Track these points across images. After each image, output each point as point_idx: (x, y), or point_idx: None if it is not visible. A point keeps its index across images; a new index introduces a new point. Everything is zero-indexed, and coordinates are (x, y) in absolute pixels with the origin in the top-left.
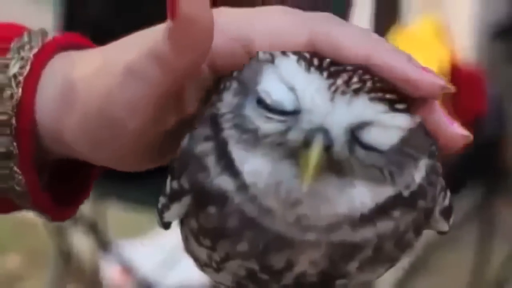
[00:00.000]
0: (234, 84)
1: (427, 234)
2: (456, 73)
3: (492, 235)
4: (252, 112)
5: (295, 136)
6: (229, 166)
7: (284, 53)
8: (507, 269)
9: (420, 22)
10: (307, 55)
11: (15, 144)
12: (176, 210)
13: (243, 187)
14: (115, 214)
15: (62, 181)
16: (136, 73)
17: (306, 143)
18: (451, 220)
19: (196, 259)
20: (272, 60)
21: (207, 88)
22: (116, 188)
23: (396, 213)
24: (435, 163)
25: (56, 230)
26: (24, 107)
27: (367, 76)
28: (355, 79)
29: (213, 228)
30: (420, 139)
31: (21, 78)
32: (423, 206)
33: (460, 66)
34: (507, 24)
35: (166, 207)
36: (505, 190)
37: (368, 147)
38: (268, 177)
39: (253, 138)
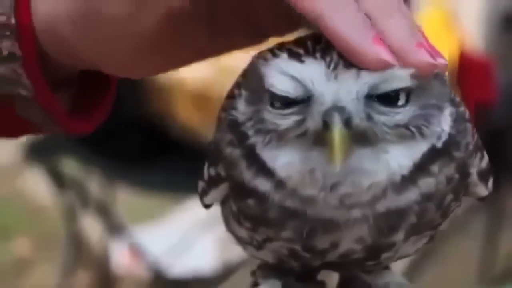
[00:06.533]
0: (244, 92)
1: None
2: (465, 63)
3: (500, 225)
4: (268, 115)
5: (313, 123)
6: (261, 168)
7: (272, 52)
8: None
9: (429, 11)
10: (291, 46)
11: (17, 44)
12: (214, 195)
13: (279, 183)
14: (125, 198)
15: (81, 98)
16: None
17: (326, 126)
18: (490, 183)
19: (237, 238)
20: (267, 63)
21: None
22: (126, 173)
23: (435, 168)
24: (460, 110)
25: (67, 214)
26: (23, 6)
27: None
28: None
29: (254, 215)
30: (438, 88)
31: None
32: (457, 156)
33: (470, 56)
34: None
35: (205, 192)
36: None
37: (386, 102)
38: (301, 168)
39: (277, 137)
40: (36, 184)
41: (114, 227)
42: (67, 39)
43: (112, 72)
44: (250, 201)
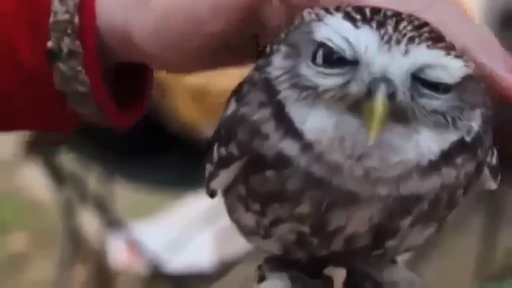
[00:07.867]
0: (283, 48)
1: None
2: None
3: (498, 222)
4: (307, 70)
5: (356, 88)
6: (290, 130)
7: (327, 10)
8: None
9: None
10: (349, 10)
11: (77, 42)
12: (224, 176)
13: (307, 147)
14: (123, 193)
15: (119, 89)
16: None
17: (369, 94)
18: (498, 178)
19: (242, 227)
20: (319, 19)
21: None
22: (125, 168)
23: (459, 160)
24: (489, 113)
25: (65, 209)
26: (87, 6)
27: (416, 22)
28: (403, 23)
29: (268, 191)
30: (476, 89)
31: None
32: (479, 155)
33: None
34: None
35: (214, 174)
36: None
37: (430, 87)
38: (332, 132)
39: (313, 95)
40: (34, 179)
41: (112, 222)
42: (137, 42)
43: (164, 68)
44: (269, 173)
